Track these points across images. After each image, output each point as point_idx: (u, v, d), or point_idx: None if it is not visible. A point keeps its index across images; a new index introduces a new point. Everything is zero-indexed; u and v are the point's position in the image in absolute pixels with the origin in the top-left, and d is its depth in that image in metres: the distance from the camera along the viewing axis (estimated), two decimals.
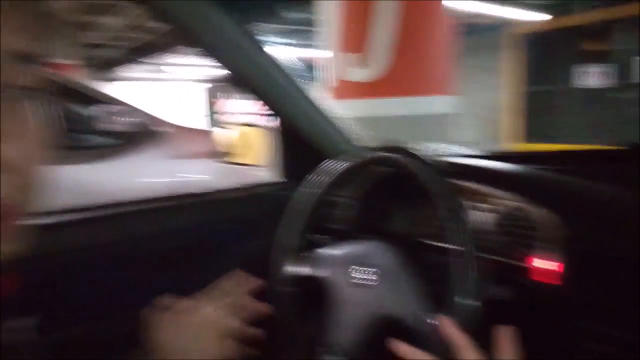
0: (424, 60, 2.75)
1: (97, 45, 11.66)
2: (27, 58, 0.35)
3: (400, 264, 0.82)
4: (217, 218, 1.11)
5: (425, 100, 2.78)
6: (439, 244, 0.87)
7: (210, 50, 1.00)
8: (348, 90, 2.87)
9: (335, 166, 0.92)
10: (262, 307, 0.77)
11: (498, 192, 0.88)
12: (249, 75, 1.07)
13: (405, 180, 0.89)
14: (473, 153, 1.15)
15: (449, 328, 0.65)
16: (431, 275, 0.80)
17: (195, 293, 0.74)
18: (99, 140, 2.55)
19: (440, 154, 1.11)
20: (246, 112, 9.53)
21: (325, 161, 0.96)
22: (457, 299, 0.70)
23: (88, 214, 0.96)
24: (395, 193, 1.00)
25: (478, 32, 7.54)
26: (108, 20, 8.81)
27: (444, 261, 0.79)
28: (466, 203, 0.84)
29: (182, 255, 1.02)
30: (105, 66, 14.35)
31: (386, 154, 0.86)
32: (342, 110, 1.24)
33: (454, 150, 1.23)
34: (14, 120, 0.34)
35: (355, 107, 2.79)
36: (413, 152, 0.83)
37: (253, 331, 0.74)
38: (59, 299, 0.84)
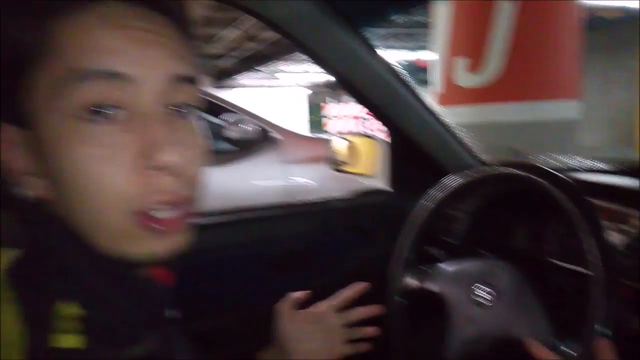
0: (543, 62, 2.57)
1: (215, 56, 12.64)
2: (188, 80, 0.41)
3: (522, 284, 0.79)
4: (331, 225, 1.15)
5: (544, 106, 2.59)
6: (569, 266, 0.81)
7: (322, 57, 0.99)
8: (458, 95, 2.78)
9: (459, 181, 0.90)
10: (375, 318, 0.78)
11: (636, 212, 0.80)
12: (362, 82, 1.05)
13: (530, 196, 0.84)
14: (606, 167, 1.05)
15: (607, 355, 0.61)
16: (557, 298, 0.76)
17: (313, 296, 0.77)
18: (219, 145, 2.77)
19: (569, 168, 1.03)
20: (355, 116, 9.69)
21: (447, 176, 0.94)
22: (598, 328, 0.65)
23: (221, 218, 1.05)
24: (518, 209, 0.96)
25: (607, 26, 6.84)
26: (225, 32, 9.50)
27: (574, 284, 0.74)
28: (606, 224, 0.78)
29: (300, 259, 1.08)
30: (223, 75, 15.48)
31: (517, 172, 0.81)
32: (451, 117, 1.20)
33: (583, 164, 1.14)
34: (181, 132, 0.40)
35: (466, 113, 2.70)
36: (544, 168, 0.79)
37: (369, 343, 0.76)
38: (198, 293, 0.93)
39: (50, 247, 0.40)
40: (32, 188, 0.40)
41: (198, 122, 0.44)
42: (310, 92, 16.91)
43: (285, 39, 0.97)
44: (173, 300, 0.50)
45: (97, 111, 0.36)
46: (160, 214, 0.39)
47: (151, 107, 0.38)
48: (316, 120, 16.12)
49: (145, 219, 0.39)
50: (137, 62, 0.37)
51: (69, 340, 0.37)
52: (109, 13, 0.37)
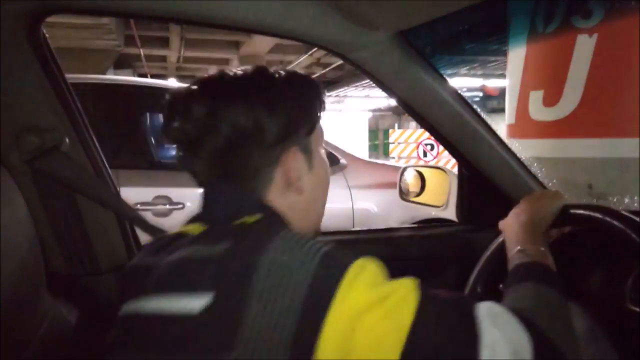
0: (622, 97, 2.44)
1: None
2: None
3: (598, 331, 0.76)
4: (401, 254, 1.16)
5: (622, 143, 2.46)
6: None
7: (393, 89, 1.01)
8: (531, 128, 2.70)
9: None
10: None
11: None
12: (432, 113, 1.05)
13: (607, 239, 0.82)
14: None
15: None
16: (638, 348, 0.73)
17: None
18: None
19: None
20: (419, 143, 9.59)
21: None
22: None
23: None
24: (594, 250, 0.93)
25: None
26: (298, 58, 9.84)
27: None
28: None
29: None
30: None
31: (596, 215, 0.79)
32: (523, 150, 1.18)
33: None
34: None
35: (539, 146, 2.61)
36: (623, 213, 0.76)
37: None
38: None
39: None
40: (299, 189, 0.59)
41: None
42: (371, 116, 17.00)
43: (353, 68, 0.99)
44: None
45: None
46: None
47: None
48: (378, 144, 16.13)
49: None
50: None
51: None
52: None
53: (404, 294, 0.47)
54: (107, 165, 0.96)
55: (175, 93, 0.59)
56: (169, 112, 0.58)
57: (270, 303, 0.43)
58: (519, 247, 0.73)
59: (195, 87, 0.58)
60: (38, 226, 0.87)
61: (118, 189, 2.21)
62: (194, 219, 0.59)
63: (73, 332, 0.84)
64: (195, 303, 0.45)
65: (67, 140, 0.85)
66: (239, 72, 0.59)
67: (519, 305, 0.56)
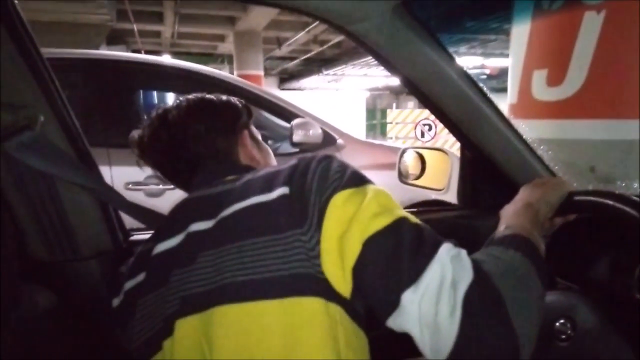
0: (628, 78, 2.38)
1: (283, 58, 12.88)
2: None
3: (606, 322, 0.73)
4: None
5: (627, 124, 2.41)
6: None
7: (396, 65, 0.95)
8: (534, 108, 2.64)
9: None
10: None
11: None
12: (437, 92, 1.00)
13: (616, 228, 0.78)
14: None
15: None
16: None
17: None
18: (282, 147, 2.80)
19: None
20: (418, 122, 9.53)
21: None
22: None
23: None
24: (602, 239, 0.88)
25: None
26: (294, 35, 9.67)
27: None
28: None
29: None
30: (289, 77, 15.75)
31: (606, 201, 0.74)
32: (525, 131, 1.13)
33: None
34: None
35: (541, 127, 2.56)
36: (634, 200, 0.71)
37: None
38: None
39: None
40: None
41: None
42: (369, 95, 16.85)
43: (354, 44, 0.93)
44: None
45: None
46: None
47: None
48: (375, 124, 16.04)
49: None
50: None
51: None
52: None
53: (391, 208, 0.61)
54: (87, 145, 0.90)
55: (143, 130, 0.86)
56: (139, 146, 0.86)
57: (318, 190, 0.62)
58: (505, 225, 0.70)
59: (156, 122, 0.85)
60: (14, 209, 0.82)
61: (110, 168, 2.18)
62: (196, 187, 0.78)
63: (50, 320, 0.80)
64: (271, 195, 0.64)
65: (41, 118, 0.79)
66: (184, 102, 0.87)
67: (483, 258, 0.59)
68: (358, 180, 0.63)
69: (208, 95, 0.89)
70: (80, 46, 4.72)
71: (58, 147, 0.82)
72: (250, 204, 0.65)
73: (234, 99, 0.92)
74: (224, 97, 0.91)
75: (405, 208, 1.20)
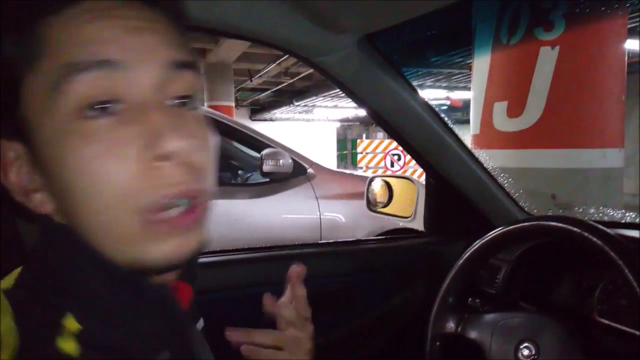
0: (586, 109, 2.51)
1: (254, 89, 13.00)
2: (186, 66, 0.39)
3: (568, 343, 0.75)
4: (370, 264, 1.13)
5: (586, 153, 2.53)
6: (621, 327, 0.76)
7: (362, 98, 0.98)
8: (495, 139, 2.75)
9: (506, 232, 0.86)
10: None
11: None
12: (402, 124, 1.02)
13: (575, 251, 0.81)
14: None
15: None
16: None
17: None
18: (252, 177, 2.80)
19: (616, 222, 0.99)
20: (387, 153, 9.72)
21: (498, 228, 0.89)
22: None
23: (260, 253, 1.04)
24: (562, 263, 0.92)
25: None
26: (266, 67, 9.80)
27: (626, 347, 0.70)
28: None
29: (338, 298, 1.05)
30: (260, 108, 15.86)
31: (565, 226, 0.77)
32: (487, 160, 1.17)
33: (630, 218, 1.09)
34: (184, 121, 0.37)
35: (503, 157, 2.65)
36: (592, 224, 0.75)
37: None
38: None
39: (54, 259, 0.39)
40: (39, 205, 0.38)
41: (202, 113, 0.41)
42: (340, 126, 17.13)
43: (322, 77, 0.96)
44: (194, 311, 0.49)
45: (94, 106, 0.34)
46: (171, 210, 0.36)
47: (150, 95, 0.36)
48: (346, 154, 16.23)
49: (155, 216, 0.35)
50: (130, 49, 0.35)
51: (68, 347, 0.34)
52: (98, 6, 0.36)
53: None
54: None
55: None
56: None
57: None
58: None
59: None
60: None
61: None
62: None
63: None
64: None
65: None
66: None
67: None
68: None
69: None
70: None
71: None
72: None
73: None
74: None
75: (377, 236, 1.21)
